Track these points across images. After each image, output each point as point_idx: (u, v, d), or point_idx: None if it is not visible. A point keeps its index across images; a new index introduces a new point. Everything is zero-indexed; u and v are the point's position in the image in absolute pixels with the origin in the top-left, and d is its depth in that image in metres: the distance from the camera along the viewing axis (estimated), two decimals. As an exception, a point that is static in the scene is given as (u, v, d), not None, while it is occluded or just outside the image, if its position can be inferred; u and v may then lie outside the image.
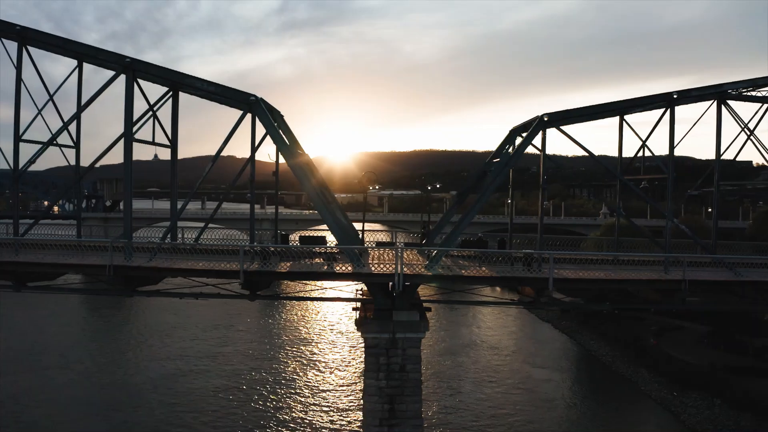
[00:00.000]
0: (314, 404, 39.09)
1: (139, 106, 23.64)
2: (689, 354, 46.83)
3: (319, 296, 23.92)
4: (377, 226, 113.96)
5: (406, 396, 20.24)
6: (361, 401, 29.88)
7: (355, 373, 45.06)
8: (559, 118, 22.80)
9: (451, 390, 42.20)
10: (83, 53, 23.56)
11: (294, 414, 37.54)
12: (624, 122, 25.37)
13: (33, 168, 25.28)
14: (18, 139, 23.22)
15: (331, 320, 62.71)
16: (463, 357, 50.10)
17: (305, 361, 48.29)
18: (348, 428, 35.52)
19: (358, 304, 22.52)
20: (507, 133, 25.67)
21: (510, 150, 25.11)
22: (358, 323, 20.90)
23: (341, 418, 36.96)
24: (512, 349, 52.89)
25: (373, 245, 26.50)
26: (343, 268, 21.14)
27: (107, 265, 20.53)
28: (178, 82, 23.89)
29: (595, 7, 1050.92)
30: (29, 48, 23.70)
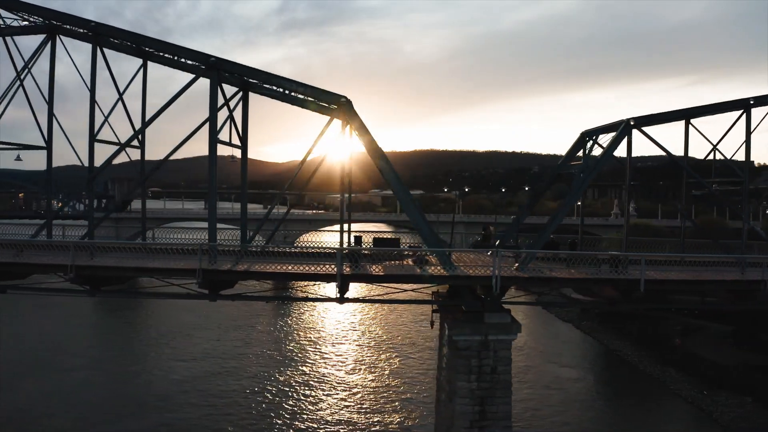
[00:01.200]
0: (348, 404, 38.96)
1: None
2: (715, 353, 47.42)
3: (393, 299, 23.87)
4: (383, 227, 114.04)
5: (497, 397, 20.34)
6: (390, 402, 29.89)
7: (386, 373, 45.14)
8: (644, 122, 23.04)
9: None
10: (168, 51, 23.20)
11: (328, 414, 37.43)
12: (691, 126, 25.68)
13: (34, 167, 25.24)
14: (93, 139, 22.91)
15: (353, 320, 62.74)
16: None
17: (334, 362, 48.21)
18: (388, 428, 35.48)
19: (431, 306, 22.56)
20: (578, 136, 25.88)
21: (592, 153, 25.30)
22: (451, 326, 20.91)
23: (378, 418, 36.91)
24: (539, 349, 53.13)
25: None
26: (436, 270, 21.16)
27: (197, 269, 20.43)
28: (257, 83, 23.63)
29: (595, 7, 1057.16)
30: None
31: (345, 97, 22.82)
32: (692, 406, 41.01)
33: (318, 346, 52.55)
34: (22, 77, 25.21)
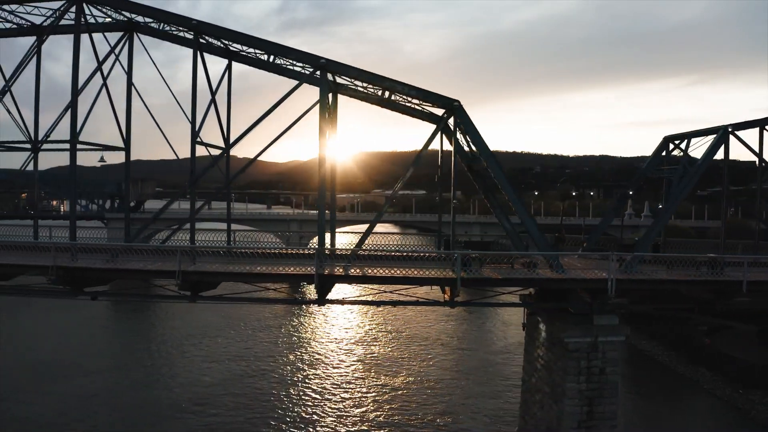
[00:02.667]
0: (389, 404, 39.14)
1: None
2: (745, 353, 48.31)
3: (487, 302, 24.16)
4: (390, 227, 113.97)
5: (605, 398, 20.77)
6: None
7: (424, 373, 45.42)
8: (741, 128, 23.64)
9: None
10: (272, 52, 23.06)
11: (371, 414, 37.57)
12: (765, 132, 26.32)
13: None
14: (195, 142, 22.83)
15: (378, 320, 62.90)
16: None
17: (371, 362, 48.32)
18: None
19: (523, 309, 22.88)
20: (661, 141, 26.44)
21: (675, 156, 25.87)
22: (561, 328, 21.29)
23: (417, 417, 37.13)
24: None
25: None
26: (546, 273, 21.52)
27: (315, 274, 20.57)
28: (350, 86, 23.65)
29: (595, 7, 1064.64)
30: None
31: (457, 101, 22.97)
32: (728, 405, 41.77)
33: (356, 347, 52.70)
34: (106, 76, 24.97)
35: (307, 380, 43.60)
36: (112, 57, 24.25)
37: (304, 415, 37.27)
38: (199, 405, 38.52)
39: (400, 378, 44.48)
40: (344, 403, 39.18)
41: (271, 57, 22.85)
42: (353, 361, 48.62)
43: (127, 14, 23.01)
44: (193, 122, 22.33)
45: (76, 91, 23.30)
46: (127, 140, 25.53)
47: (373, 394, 40.98)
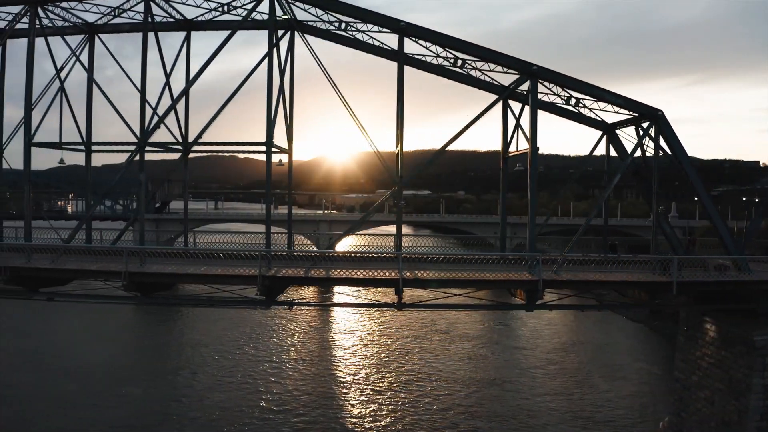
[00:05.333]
0: (466, 400, 39.47)
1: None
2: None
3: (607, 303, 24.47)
4: (391, 228, 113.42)
5: (786, 392, 21.48)
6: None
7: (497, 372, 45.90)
8: None
9: (609, 388, 43.28)
10: (484, 57, 23.09)
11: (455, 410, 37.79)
12: None
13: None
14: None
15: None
16: (581, 356, 51.61)
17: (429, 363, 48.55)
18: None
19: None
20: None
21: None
22: (751, 327, 21.89)
23: (493, 413, 37.56)
24: (625, 349, 54.74)
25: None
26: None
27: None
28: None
29: (596, 6, 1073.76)
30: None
31: (660, 110, 23.33)
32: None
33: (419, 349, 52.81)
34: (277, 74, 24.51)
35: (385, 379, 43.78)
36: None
37: (378, 412, 37.47)
38: (280, 406, 38.09)
39: (474, 376, 44.88)
40: (430, 398, 39.43)
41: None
42: (433, 359, 48.83)
43: (335, 14, 22.76)
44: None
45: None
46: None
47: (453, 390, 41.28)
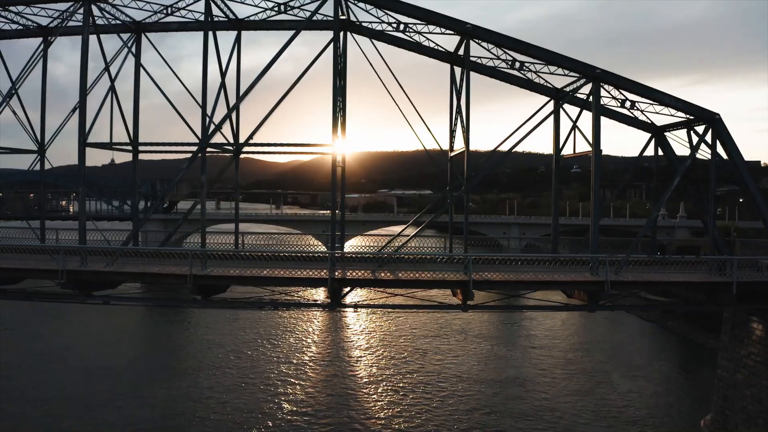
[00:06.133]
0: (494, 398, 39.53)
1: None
2: None
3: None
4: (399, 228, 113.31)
5: None
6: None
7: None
8: None
9: (633, 388, 43.42)
10: (546, 59, 23.06)
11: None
12: None
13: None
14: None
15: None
16: (598, 355, 51.82)
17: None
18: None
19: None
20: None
21: None
22: None
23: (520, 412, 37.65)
24: (641, 348, 55.01)
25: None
26: None
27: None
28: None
29: (597, 6, 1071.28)
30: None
31: (717, 114, 23.37)
32: None
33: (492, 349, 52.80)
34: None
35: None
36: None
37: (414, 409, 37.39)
38: (305, 407, 37.98)
39: (499, 376, 44.93)
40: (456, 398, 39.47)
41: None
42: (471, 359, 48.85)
43: (393, 14, 22.65)
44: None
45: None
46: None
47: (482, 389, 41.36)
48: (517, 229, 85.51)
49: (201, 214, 26.39)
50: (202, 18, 23.77)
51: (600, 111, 22.90)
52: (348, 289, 21.99)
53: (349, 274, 21.49)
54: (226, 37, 25.54)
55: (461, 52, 23.42)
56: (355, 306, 24.12)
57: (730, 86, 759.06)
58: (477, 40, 23.12)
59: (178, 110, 24.11)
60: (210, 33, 23.47)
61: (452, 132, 25.21)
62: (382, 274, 21.44)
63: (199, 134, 23.84)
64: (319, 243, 75.50)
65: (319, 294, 33.87)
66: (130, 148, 26.10)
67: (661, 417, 38.02)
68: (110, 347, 50.57)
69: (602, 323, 62.52)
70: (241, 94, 24.48)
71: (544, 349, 53.42)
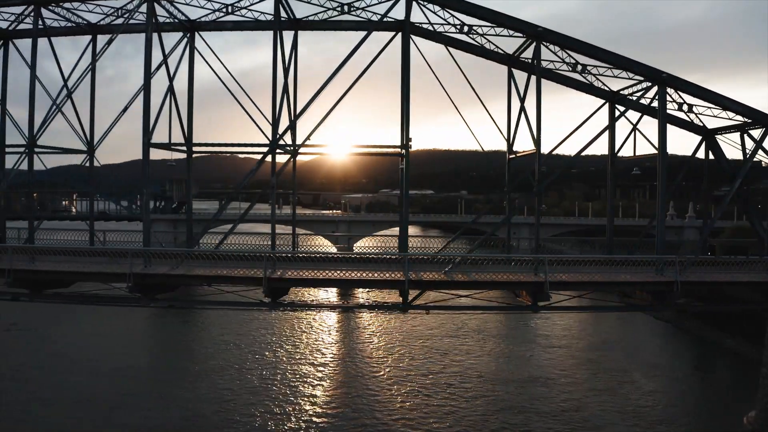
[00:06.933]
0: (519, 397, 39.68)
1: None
2: None
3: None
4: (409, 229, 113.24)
5: None
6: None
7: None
8: None
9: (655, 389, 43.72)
10: (615, 63, 23.11)
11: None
12: None
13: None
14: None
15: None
16: (616, 354, 52.09)
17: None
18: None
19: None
20: None
21: None
22: None
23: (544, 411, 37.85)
24: (659, 348, 55.28)
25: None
26: None
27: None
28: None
29: (597, 6, 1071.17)
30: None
31: None
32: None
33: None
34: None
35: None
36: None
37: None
38: (330, 408, 37.94)
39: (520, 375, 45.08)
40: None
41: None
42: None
43: (460, 16, 22.67)
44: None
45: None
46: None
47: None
48: (527, 229, 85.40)
49: (272, 216, 26.22)
50: (262, 17, 23.61)
51: (665, 115, 23.05)
52: (418, 292, 21.99)
53: (423, 275, 21.44)
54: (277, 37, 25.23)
55: (525, 54, 23.53)
56: (426, 308, 24.04)
57: (730, 86, 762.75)
58: (545, 43, 23.21)
59: (248, 111, 23.93)
60: (273, 33, 23.22)
61: (514, 133, 25.21)
62: (459, 276, 21.50)
63: (261, 135, 23.47)
64: (329, 243, 75.72)
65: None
66: (184, 148, 25.88)
67: (692, 416, 38.26)
68: (126, 348, 50.25)
69: (616, 323, 62.88)
70: (295, 94, 24.37)
71: (563, 348, 53.65)
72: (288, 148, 24.18)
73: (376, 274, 21.37)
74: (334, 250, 54.64)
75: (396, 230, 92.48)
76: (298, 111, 23.72)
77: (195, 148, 26.18)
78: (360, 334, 57.86)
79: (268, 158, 23.24)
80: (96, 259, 22.69)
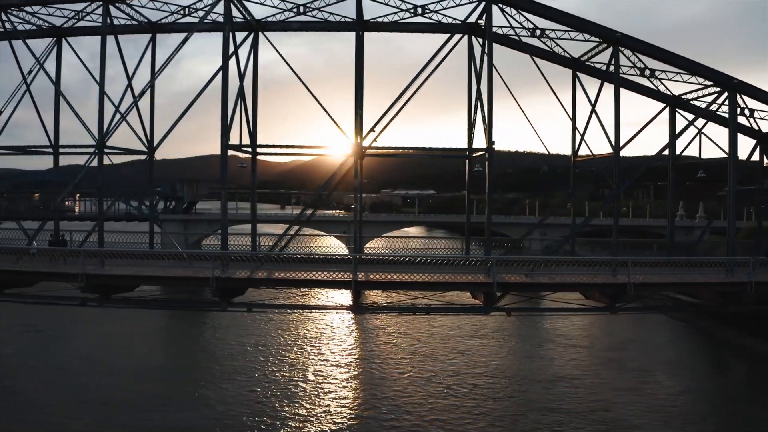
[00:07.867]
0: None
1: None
2: None
3: None
4: (413, 230, 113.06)
5: None
6: None
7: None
8: None
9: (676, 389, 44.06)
10: (688, 68, 23.22)
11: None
12: None
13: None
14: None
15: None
16: (636, 353, 52.50)
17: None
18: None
19: None
20: None
21: None
22: None
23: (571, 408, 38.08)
24: (678, 348, 55.56)
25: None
26: None
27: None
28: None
29: (597, 6, 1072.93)
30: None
31: None
32: None
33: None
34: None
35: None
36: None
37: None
38: (363, 409, 37.78)
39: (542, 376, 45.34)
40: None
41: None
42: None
43: (531, 17, 22.73)
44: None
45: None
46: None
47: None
48: (537, 230, 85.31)
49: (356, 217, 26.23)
50: (331, 18, 23.48)
51: (735, 121, 23.36)
52: (499, 293, 22.03)
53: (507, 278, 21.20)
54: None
55: (598, 59, 23.72)
56: (507, 310, 23.96)
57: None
58: (626, 49, 23.42)
59: (328, 111, 23.83)
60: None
61: (581, 137, 25.37)
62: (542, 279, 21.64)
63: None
64: (342, 245, 75.34)
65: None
66: (249, 150, 25.73)
67: (721, 415, 38.56)
68: (145, 349, 49.94)
69: (632, 323, 62.86)
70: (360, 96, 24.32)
71: (583, 348, 53.93)
72: (363, 150, 24.10)
73: (460, 277, 21.39)
74: (346, 251, 54.44)
75: (407, 230, 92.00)
76: (368, 113, 23.61)
77: (258, 150, 26.07)
78: (378, 335, 57.82)
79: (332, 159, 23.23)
80: (160, 263, 22.47)
